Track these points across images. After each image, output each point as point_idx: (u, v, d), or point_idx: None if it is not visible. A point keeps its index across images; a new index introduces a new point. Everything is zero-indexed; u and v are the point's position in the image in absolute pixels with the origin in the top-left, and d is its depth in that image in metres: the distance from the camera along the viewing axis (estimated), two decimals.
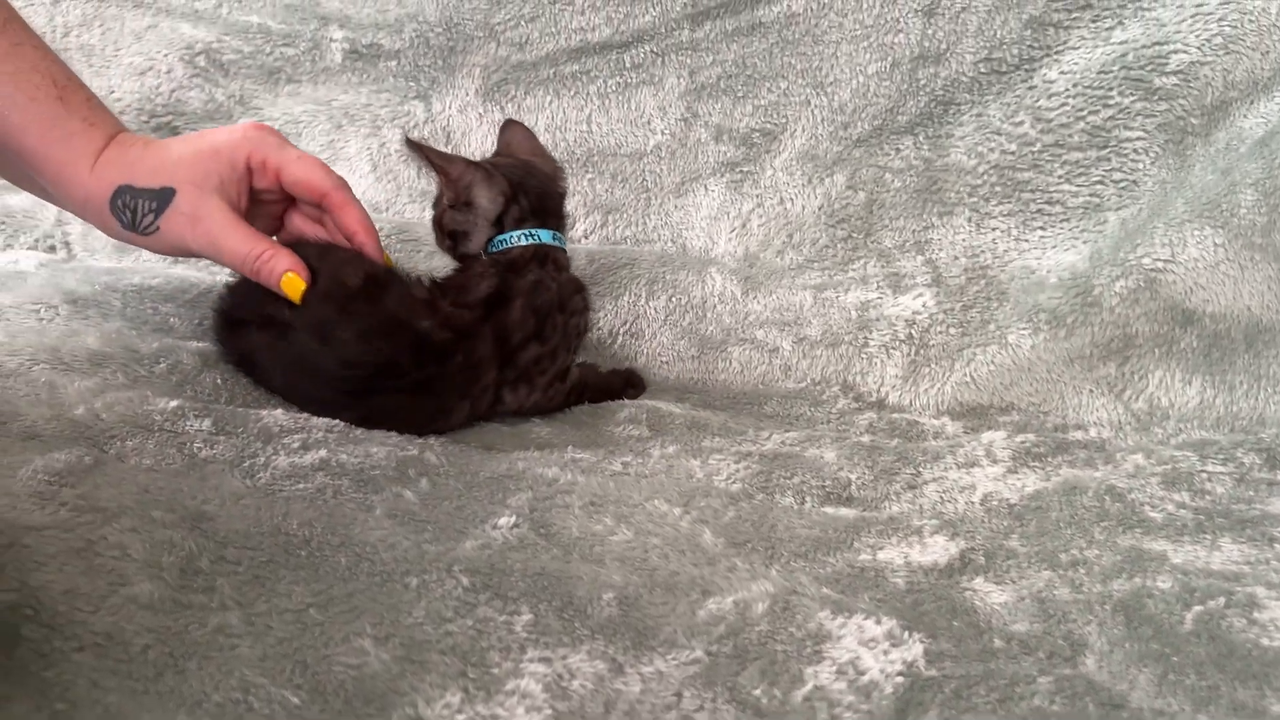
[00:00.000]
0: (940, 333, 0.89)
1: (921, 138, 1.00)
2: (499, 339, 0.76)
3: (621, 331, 0.94)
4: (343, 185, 0.75)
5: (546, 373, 0.79)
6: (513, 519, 0.61)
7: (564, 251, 0.83)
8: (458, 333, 0.75)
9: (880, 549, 0.63)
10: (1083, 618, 0.55)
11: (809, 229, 1.00)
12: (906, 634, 0.51)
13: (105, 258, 1.06)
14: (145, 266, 0.95)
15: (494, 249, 0.80)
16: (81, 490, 0.57)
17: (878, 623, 0.52)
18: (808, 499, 0.70)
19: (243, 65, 1.14)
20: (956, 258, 0.94)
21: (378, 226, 1.03)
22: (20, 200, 1.12)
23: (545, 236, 0.81)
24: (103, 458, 0.62)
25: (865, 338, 0.90)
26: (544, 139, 1.06)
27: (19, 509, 0.54)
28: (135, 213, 0.69)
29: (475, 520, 0.61)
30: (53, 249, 1.09)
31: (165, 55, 1.15)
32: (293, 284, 0.72)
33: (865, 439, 0.78)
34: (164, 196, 0.69)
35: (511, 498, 0.64)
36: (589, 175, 1.07)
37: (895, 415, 0.84)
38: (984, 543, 0.64)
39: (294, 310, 0.73)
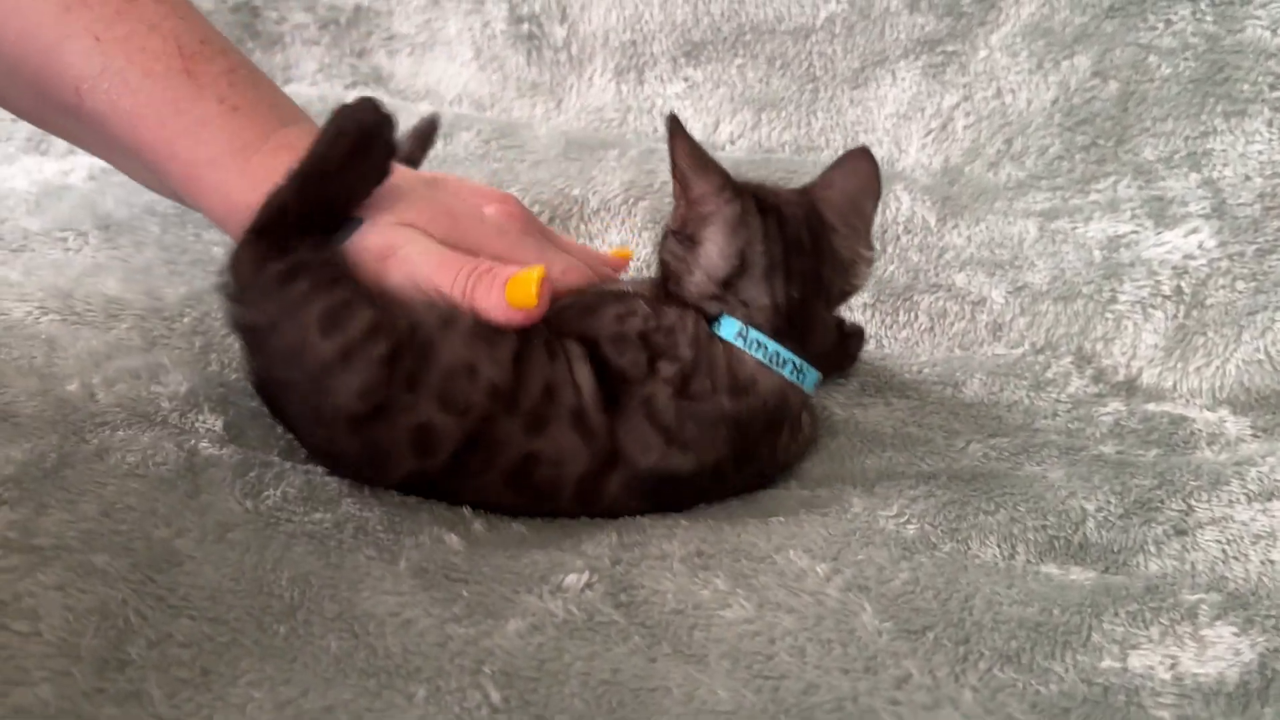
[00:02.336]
0: (1224, 287, 0.67)
1: (1203, 5, 0.75)
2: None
3: None
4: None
5: None
6: (584, 576, 0.46)
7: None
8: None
9: (1133, 647, 0.44)
10: None
11: (1036, 133, 0.77)
12: None
13: None
14: None
15: (721, 331, 0.55)
16: (24, 512, 0.45)
17: None
18: (1020, 549, 0.51)
19: None
20: (1249, 178, 0.70)
21: (475, 129, 0.89)
22: None
23: (809, 380, 0.56)
24: (74, 454, 0.51)
25: (1113, 290, 0.68)
26: (681, 12, 0.87)
27: None
28: None
29: (533, 579, 0.46)
30: None
31: None
32: (521, 284, 0.51)
33: (1109, 449, 0.58)
34: (346, 228, 0.52)
35: (589, 541, 0.49)
36: (738, 60, 0.88)
37: (1152, 407, 0.63)
38: None
39: None
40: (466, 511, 0.52)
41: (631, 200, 0.79)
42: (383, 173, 0.52)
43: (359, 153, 0.51)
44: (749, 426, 0.54)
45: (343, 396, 0.49)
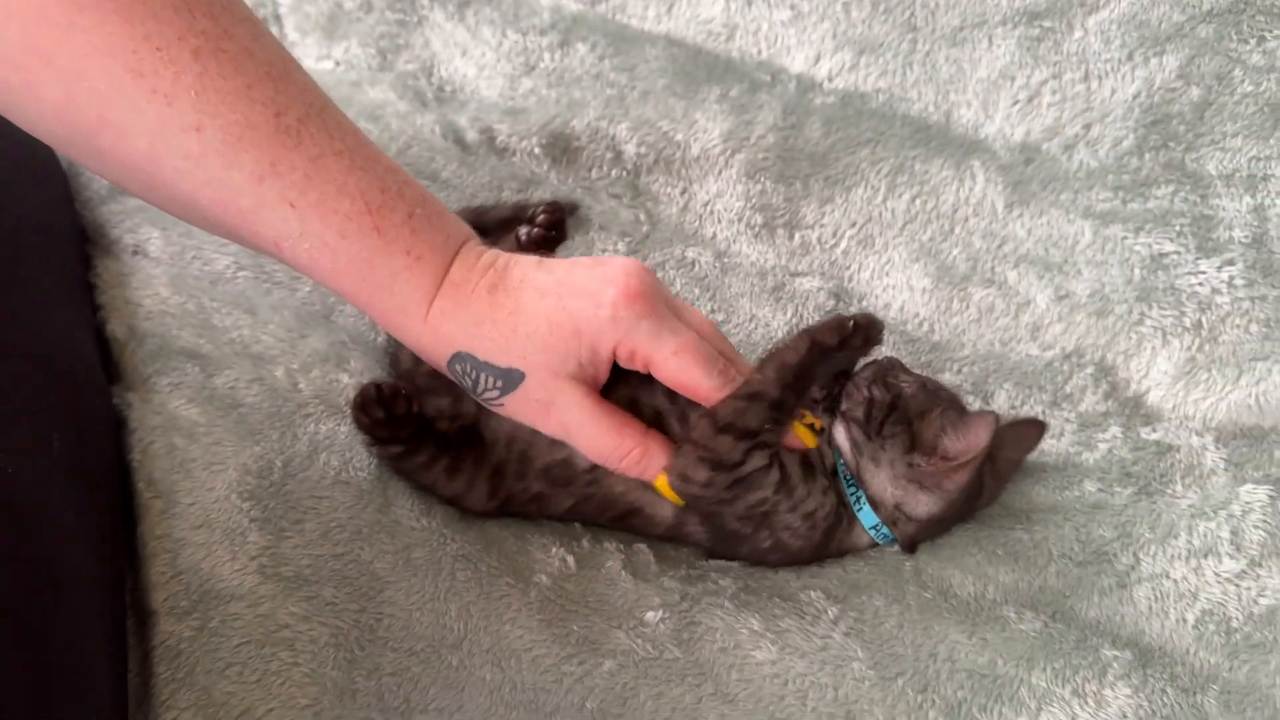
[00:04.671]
0: (1236, 329, 0.75)
1: None
2: None
3: (848, 235, 0.85)
4: (727, 385, 0.63)
5: None
6: (659, 613, 0.64)
7: None
8: None
9: (1047, 702, 0.61)
10: None
11: (1114, 123, 0.82)
12: None
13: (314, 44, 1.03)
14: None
15: (861, 516, 0.67)
16: (267, 535, 0.64)
17: None
18: (990, 589, 0.67)
19: None
20: None
21: (591, 41, 0.95)
22: None
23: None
24: (293, 459, 0.68)
25: (1142, 313, 0.77)
26: None
27: (214, 556, 0.63)
28: (477, 383, 0.63)
29: (623, 611, 0.64)
30: None
31: None
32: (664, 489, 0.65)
33: (1090, 489, 0.71)
34: (511, 378, 0.62)
35: (667, 575, 0.67)
36: None
37: (1146, 434, 0.75)
38: (1172, 702, 0.61)
39: None
40: (578, 526, 0.70)
41: (729, 152, 0.87)
42: (417, 420, 0.67)
43: (390, 423, 0.66)
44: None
45: (477, 505, 0.69)
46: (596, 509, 0.68)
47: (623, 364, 0.64)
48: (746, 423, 0.61)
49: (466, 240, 0.65)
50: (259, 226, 0.59)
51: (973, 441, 0.62)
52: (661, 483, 0.64)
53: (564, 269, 0.63)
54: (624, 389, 0.65)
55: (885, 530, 0.67)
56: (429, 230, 0.62)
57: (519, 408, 0.64)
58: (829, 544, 0.67)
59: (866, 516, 0.67)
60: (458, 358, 0.63)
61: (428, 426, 0.68)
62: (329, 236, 0.59)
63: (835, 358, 0.63)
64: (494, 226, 0.83)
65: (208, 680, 0.58)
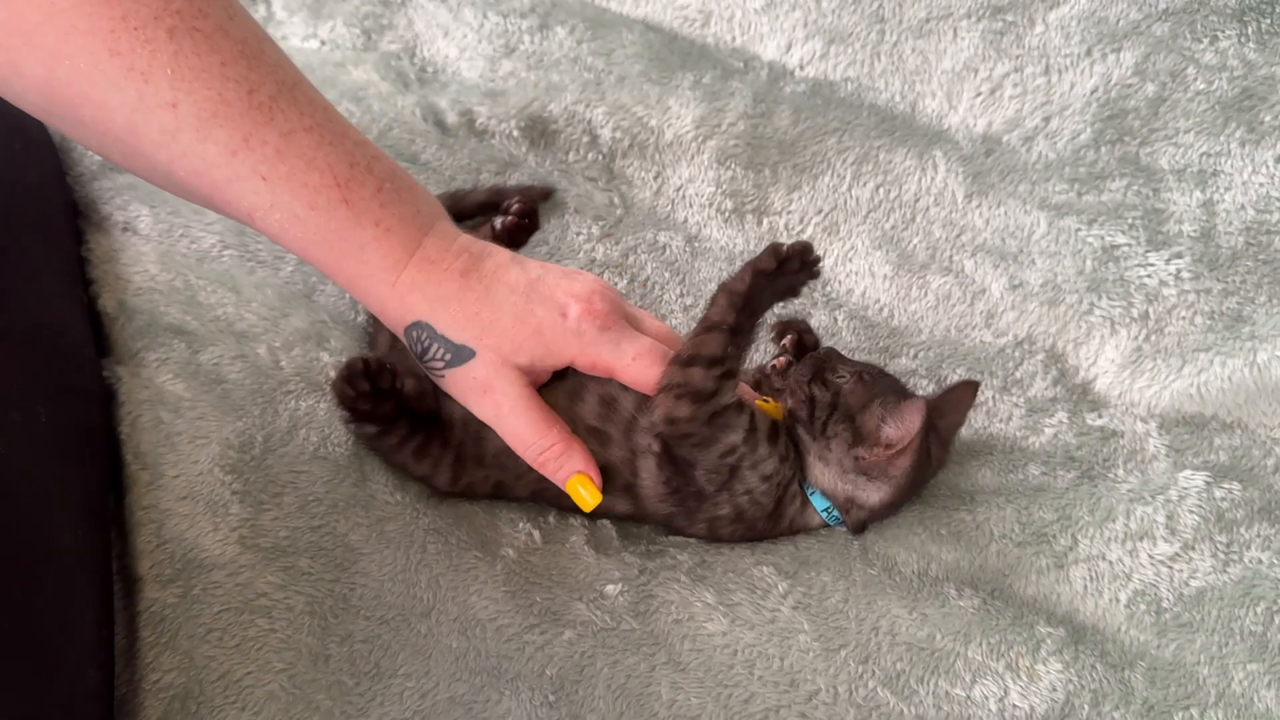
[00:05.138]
0: (1182, 320, 0.78)
1: (1251, 31, 0.77)
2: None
3: (814, 222, 0.88)
4: None
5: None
6: (619, 586, 0.67)
7: None
8: None
9: (982, 675, 0.64)
10: None
11: (1072, 116, 0.84)
12: None
13: (301, 24, 1.05)
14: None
15: (813, 500, 0.71)
16: (249, 510, 0.67)
17: None
18: (933, 566, 0.70)
19: None
20: (1243, 208, 0.78)
21: (570, 25, 0.96)
22: None
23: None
24: (273, 434, 0.71)
25: (1092, 303, 0.80)
26: None
27: (197, 527, 0.66)
28: (427, 351, 0.66)
29: (584, 584, 0.67)
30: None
31: None
32: (582, 490, 0.68)
33: (1034, 472, 0.74)
34: (461, 353, 0.65)
35: (628, 550, 0.70)
36: None
37: (1092, 419, 0.77)
38: (1101, 677, 0.64)
39: None
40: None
41: (701, 139, 0.90)
42: (395, 396, 0.69)
43: (374, 396, 0.69)
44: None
45: (443, 487, 0.72)
46: (556, 494, 0.71)
47: (584, 371, 0.67)
48: (710, 351, 0.64)
49: (439, 217, 0.67)
50: (232, 197, 0.61)
51: (908, 427, 0.66)
52: (572, 485, 0.67)
53: (537, 272, 0.67)
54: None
55: (836, 513, 0.70)
56: (398, 204, 0.64)
57: (458, 382, 0.67)
58: (782, 515, 0.70)
59: (818, 500, 0.70)
60: (416, 325, 0.66)
61: (402, 408, 0.71)
62: (299, 208, 0.61)
63: (778, 283, 0.65)
64: (471, 211, 0.86)
65: (190, 644, 0.62)
